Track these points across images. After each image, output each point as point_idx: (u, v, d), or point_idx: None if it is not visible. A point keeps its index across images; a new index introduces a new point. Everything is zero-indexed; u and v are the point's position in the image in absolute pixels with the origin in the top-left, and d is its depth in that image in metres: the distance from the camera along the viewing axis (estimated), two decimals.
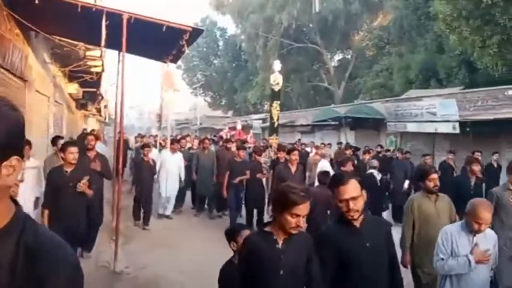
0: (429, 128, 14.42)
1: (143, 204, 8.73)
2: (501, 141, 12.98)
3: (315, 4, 21.71)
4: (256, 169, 8.74)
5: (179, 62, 43.15)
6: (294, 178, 6.77)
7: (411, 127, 15.50)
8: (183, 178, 9.77)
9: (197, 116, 46.02)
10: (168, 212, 9.72)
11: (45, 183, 5.34)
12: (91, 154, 6.36)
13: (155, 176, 9.32)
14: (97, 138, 13.17)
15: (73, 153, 5.07)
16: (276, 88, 16.35)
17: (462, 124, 12.93)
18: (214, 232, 8.32)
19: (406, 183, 10.25)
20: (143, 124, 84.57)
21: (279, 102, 16.65)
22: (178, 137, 17.51)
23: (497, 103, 13.30)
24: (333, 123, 20.19)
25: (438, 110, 14.01)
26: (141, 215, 8.80)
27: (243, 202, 8.96)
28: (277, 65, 16.40)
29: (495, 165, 10.75)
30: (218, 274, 5.93)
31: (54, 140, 6.88)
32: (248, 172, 8.63)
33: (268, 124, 29.85)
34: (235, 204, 8.83)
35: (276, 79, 16.17)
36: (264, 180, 9.00)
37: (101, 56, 7.37)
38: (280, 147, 9.74)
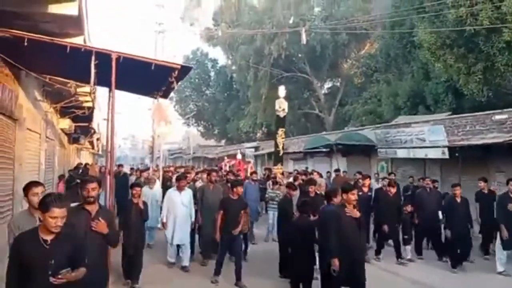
0: (419, 153, 14.58)
1: (132, 258, 7.09)
2: (489, 165, 13.16)
3: (302, 36, 22.12)
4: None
5: (171, 94, 43.59)
6: (354, 221, 5.66)
7: (401, 153, 15.66)
8: (193, 218, 8.38)
9: (190, 145, 46.14)
10: (186, 262, 8.18)
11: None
12: (93, 208, 4.22)
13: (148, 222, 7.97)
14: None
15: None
16: (282, 115, 15.59)
17: (451, 149, 13.11)
18: (210, 269, 8.25)
19: (441, 214, 9.52)
20: (137, 154, 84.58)
21: (284, 129, 15.75)
22: (169, 168, 16.96)
23: (484, 128, 13.54)
24: (324, 150, 20.34)
25: (427, 136, 14.21)
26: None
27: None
28: (281, 90, 15.67)
29: (486, 191, 9.69)
30: None
31: (27, 188, 4.16)
32: (243, 212, 7.51)
33: (260, 152, 30.10)
34: (224, 253, 7.46)
35: (282, 105, 15.42)
36: None
37: (90, 92, 7.49)
38: (311, 181, 8.56)
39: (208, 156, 39.73)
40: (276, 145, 15.61)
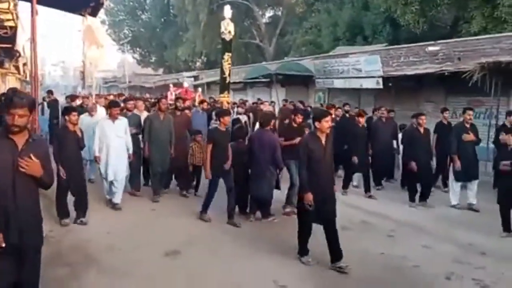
0: (355, 83, 14.90)
1: (75, 193, 6.47)
2: (420, 95, 13.75)
3: None
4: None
5: (103, 17, 40.97)
6: (326, 152, 5.06)
7: (338, 83, 15.93)
8: (130, 150, 7.47)
9: (126, 74, 44.24)
10: (117, 199, 7.37)
11: None
12: (20, 139, 3.05)
13: (84, 153, 7.12)
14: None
15: None
16: (228, 38, 13.81)
17: (385, 79, 13.47)
18: (142, 195, 8.21)
19: (395, 144, 9.62)
20: (69, 83, 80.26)
21: (230, 54, 14.17)
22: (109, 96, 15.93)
23: (418, 59, 14.00)
24: (264, 80, 20.27)
25: (363, 66, 14.47)
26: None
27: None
28: (227, 11, 13.87)
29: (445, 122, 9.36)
30: (145, 235, 5.87)
31: None
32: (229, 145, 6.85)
33: (199, 81, 29.45)
34: (215, 190, 6.71)
35: (228, 27, 13.64)
36: None
37: (9, 7, 6.70)
38: (297, 110, 7.80)
39: (145, 85, 38.31)
40: (222, 72, 13.97)
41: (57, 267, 4.79)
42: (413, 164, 7.97)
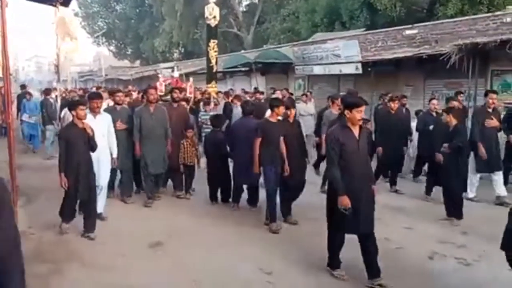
0: (334, 69, 14.86)
1: (82, 200, 5.69)
2: (399, 79, 13.80)
3: None
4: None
5: (76, 9, 40.07)
6: (360, 147, 4.33)
7: (318, 70, 15.89)
8: (114, 154, 6.52)
9: (102, 67, 43.45)
10: (100, 208, 6.26)
11: None
12: None
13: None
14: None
15: None
16: (213, 23, 13.24)
17: (364, 64, 13.47)
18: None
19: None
20: (44, 78, 78.62)
21: (216, 41, 13.55)
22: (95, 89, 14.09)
23: (395, 43, 14.04)
24: (243, 69, 20.16)
25: (342, 52, 14.43)
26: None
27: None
28: None
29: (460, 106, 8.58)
30: (127, 229, 5.76)
31: None
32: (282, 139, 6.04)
33: (178, 72, 29.14)
34: (274, 183, 5.93)
35: (212, 12, 13.03)
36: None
37: None
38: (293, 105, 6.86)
39: (122, 78, 37.68)
40: (209, 60, 13.50)
41: (38, 264, 4.67)
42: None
